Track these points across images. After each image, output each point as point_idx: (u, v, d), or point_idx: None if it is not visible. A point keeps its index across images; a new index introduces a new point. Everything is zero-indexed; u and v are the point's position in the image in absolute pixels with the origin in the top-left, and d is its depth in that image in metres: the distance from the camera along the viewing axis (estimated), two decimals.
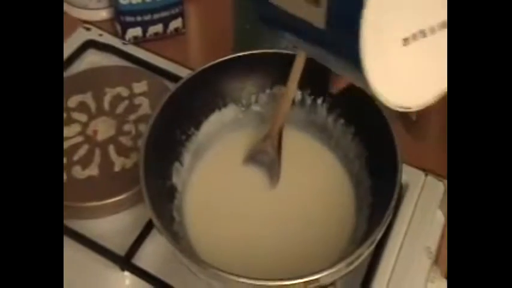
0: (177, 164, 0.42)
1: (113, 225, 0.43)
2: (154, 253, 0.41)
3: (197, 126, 0.44)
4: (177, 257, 0.34)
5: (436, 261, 0.44)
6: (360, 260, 0.35)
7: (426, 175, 0.46)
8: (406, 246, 0.42)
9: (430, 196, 0.45)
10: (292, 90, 0.40)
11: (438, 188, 0.46)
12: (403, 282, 0.41)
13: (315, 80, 0.43)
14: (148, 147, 0.38)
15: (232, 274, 0.32)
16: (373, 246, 0.36)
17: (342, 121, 0.44)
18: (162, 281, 0.40)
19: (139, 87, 0.51)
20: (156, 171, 0.39)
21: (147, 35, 0.57)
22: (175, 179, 0.42)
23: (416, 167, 0.46)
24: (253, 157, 0.44)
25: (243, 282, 0.32)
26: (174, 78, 0.52)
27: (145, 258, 0.41)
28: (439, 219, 0.45)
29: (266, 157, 0.43)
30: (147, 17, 0.56)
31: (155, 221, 0.34)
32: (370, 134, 0.42)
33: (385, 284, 0.40)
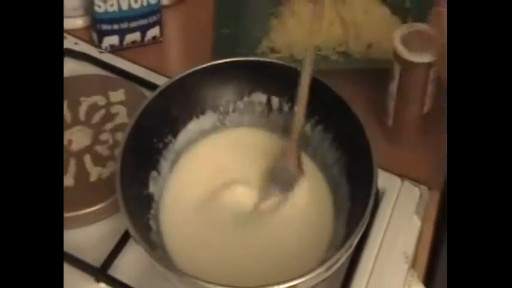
0: (154, 173, 0.42)
1: (89, 236, 0.42)
2: (131, 263, 0.41)
3: (175, 134, 0.44)
4: (154, 266, 0.34)
5: (413, 266, 0.44)
6: (337, 265, 0.35)
7: (402, 181, 0.47)
8: (383, 251, 0.43)
9: (406, 201, 0.46)
10: (303, 105, 0.40)
11: (414, 193, 0.47)
12: (381, 287, 0.41)
13: (292, 87, 0.44)
14: (125, 156, 0.38)
15: (209, 282, 0.32)
16: (350, 251, 0.36)
17: (320, 128, 0.44)
18: None
19: (116, 95, 0.51)
20: (132, 180, 0.39)
21: (124, 43, 0.57)
22: (153, 188, 0.41)
23: (393, 173, 0.47)
24: (271, 174, 0.43)
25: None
26: (152, 86, 0.52)
27: (122, 269, 0.40)
28: (415, 224, 0.46)
29: (285, 173, 0.42)
30: (124, 25, 0.56)
31: (131, 230, 0.34)
32: (347, 141, 0.42)
33: (364, 286, 0.41)
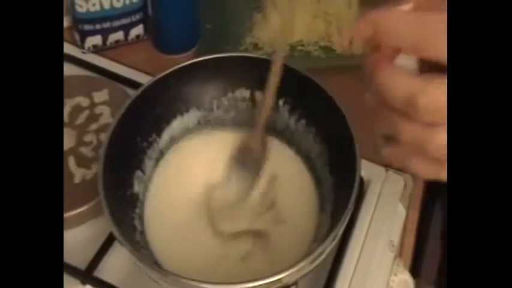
0: (138, 173, 0.42)
1: (74, 238, 0.42)
2: (117, 265, 0.41)
3: (159, 132, 0.44)
4: (139, 266, 0.34)
5: (399, 255, 0.45)
6: (322, 258, 0.36)
7: (387, 170, 0.48)
8: (369, 241, 0.43)
9: (391, 191, 0.46)
10: (272, 89, 0.40)
11: (399, 183, 0.47)
12: (367, 276, 0.42)
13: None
14: (108, 156, 0.38)
15: (193, 280, 0.32)
16: (334, 243, 0.37)
17: (303, 121, 0.44)
18: None
19: (100, 96, 0.51)
20: (116, 180, 0.39)
21: (108, 43, 0.57)
22: (137, 188, 0.42)
23: (377, 163, 0.47)
24: (237, 155, 0.43)
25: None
26: (136, 85, 0.51)
27: (108, 271, 0.41)
28: (400, 213, 0.46)
29: (250, 156, 0.43)
30: (107, 25, 0.55)
31: (114, 230, 0.34)
32: (330, 133, 0.42)
33: (349, 279, 0.41)
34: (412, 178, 0.48)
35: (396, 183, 0.47)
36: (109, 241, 0.41)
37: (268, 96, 0.41)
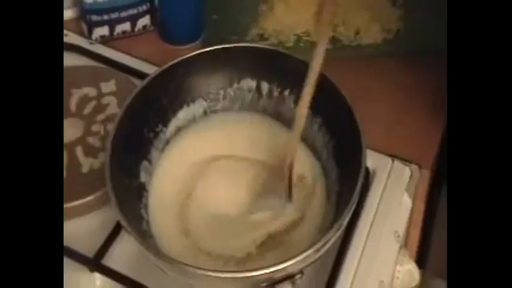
0: (145, 163, 0.42)
1: (82, 227, 0.43)
2: (125, 253, 0.41)
3: (165, 123, 0.44)
4: (145, 255, 0.35)
5: (405, 245, 0.45)
6: (327, 247, 0.36)
7: (393, 160, 0.47)
8: (374, 231, 0.43)
9: (397, 181, 0.46)
10: (303, 117, 0.38)
11: (405, 173, 0.47)
12: (373, 266, 0.42)
13: (282, 72, 0.44)
14: (115, 146, 0.38)
15: (200, 268, 0.32)
16: (339, 232, 0.37)
17: (309, 111, 0.44)
18: (133, 280, 0.40)
19: (108, 86, 0.51)
20: (123, 170, 0.39)
21: (115, 33, 0.57)
22: (144, 178, 0.42)
23: (383, 153, 0.47)
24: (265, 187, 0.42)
25: (210, 276, 0.32)
26: (143, 76, 0.51)
27: (115, 259, 0.41)
28: (406, 203, 0.46)
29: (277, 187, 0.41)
30: (114, 15, 0.56)
31: (122, 219, 0.35)
32: (335, 123, 0.42)
33: (354, 269, 0.41)
34: (418, 168, 0.48)
35: (402, 173, 0.47)
36: (116, 230, 0.42)
37: (312, 76, 0.36)
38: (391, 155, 0.48)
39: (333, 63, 0.45)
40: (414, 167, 0.47)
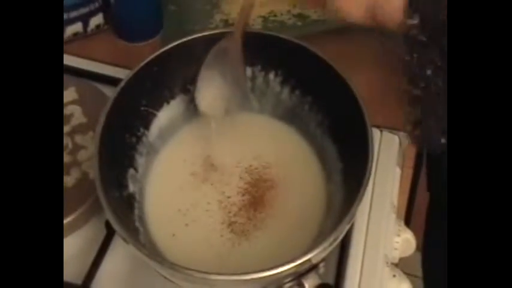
0: (131, 171, 0.40)
1: (64, 251, 0.39)
2: (113, 273, 0.38)
3: (146, 125, 0.41)
4: (150, 265, 0.32)
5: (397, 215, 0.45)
6: (344, 232, 0.35)
7: (381, 131, 0.47)
8: (375, 205, 0.43)
9: (388, 151, 0.46)
10: None
11: (394, 142, 0.47)
12: (379, 241, 0.41)
13: (264, 55, 0.42)
14: (100, 159, 0.35)
15: (207, 273, 0.30)
16: (353, 218, 0.35)
17: (297, 92, 0.43)
18: None
19: (68, 95, 0.47)
20: (111, 182, 0.36)
21: (66, 36, 0.52)
22: (132, 188, 0.39)
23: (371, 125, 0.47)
24: (214, 57, 0.41)
25: (217, 280, 0.31)
26: (105, 79, 0.48)
27: (105, 281, 0.38)
28: (397, 172, 0.46)
29: (227, 56, 0.40)
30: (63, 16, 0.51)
31: (123, 234, 0.32)
32: (329, 100, 0.41)
33: (362, 244, 0.41)
34: (406, 135, 0.47)
35: (392, 142, 0.46)
36: (102, 251, 0.39)
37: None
38: (378, 126, 0.47)
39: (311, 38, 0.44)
40: (402, 134, 0.47)
